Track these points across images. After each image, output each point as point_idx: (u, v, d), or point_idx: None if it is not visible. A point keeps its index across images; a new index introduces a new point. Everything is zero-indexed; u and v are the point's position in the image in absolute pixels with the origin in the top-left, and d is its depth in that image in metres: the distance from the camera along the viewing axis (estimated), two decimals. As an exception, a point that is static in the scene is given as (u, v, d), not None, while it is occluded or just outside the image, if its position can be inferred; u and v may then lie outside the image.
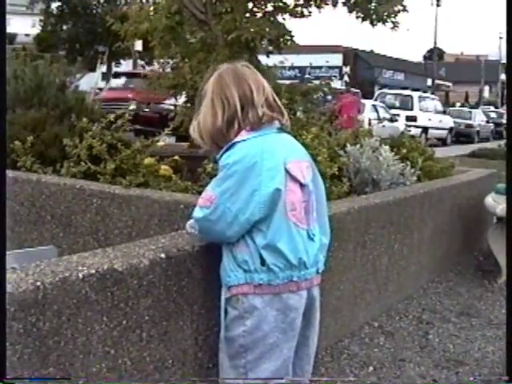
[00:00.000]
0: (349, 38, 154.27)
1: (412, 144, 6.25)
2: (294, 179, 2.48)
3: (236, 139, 2.47)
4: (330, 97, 24.09)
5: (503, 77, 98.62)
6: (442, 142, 30.30)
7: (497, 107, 64.82)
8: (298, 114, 5.41)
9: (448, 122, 30.89)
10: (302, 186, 2.50)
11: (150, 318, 2.53)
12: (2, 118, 2.56)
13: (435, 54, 62.79)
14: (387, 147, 5.61)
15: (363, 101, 23.21)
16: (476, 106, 56.83)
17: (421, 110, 28.23)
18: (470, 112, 38.06)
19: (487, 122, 39.21)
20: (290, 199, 2.44)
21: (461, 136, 33.66)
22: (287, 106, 5.43)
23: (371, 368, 3.88)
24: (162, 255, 2.58)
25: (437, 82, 65.63)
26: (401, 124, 24.16)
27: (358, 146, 5.53)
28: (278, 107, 2.58)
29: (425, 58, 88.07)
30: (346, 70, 53.22)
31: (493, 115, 45.35)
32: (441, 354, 4.19)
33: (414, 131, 24.70)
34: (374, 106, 24.24)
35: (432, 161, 6.48)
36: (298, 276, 2.47)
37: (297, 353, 2.62)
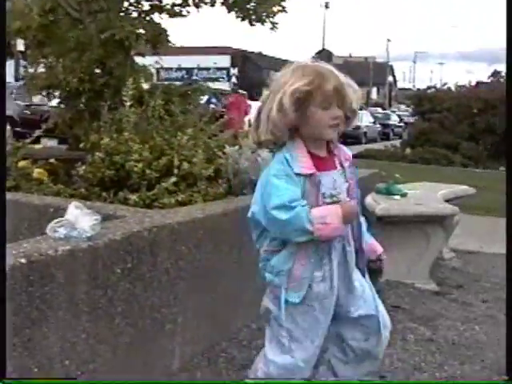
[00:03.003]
0: (238, 39, 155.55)
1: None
2: None
3: None
4: (214, 99, 24.32)
5: (391, 78, 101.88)
6: (331, 144, 30.92)
7: (384, 108, 66.75)
8: (176, 115, 5.41)
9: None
10: None
11: (11, 325, 2.48)
12: (2, 120, 2.46)
13: (324, 56, 64.07)
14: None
15: (250, 102, 23.42)
16: (366, 108, 58.28)
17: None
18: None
19: (374, 123, 40.34)
20: None
21: (348, 137, 34.38)
22: (164, 106, 5.45)
23: (249, 371, 3.93)
24: (23, 260, 2.54)
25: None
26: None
27: (237, 147, 5.59)
28: None
29: (313, 59, 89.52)
30: (234, 71, 53.60)
31: (379, 116, 46.70)
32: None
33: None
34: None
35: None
36: None
37: None
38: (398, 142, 27.18)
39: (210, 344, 4.07)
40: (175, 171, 4.69)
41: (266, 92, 2.90)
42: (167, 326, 3.53)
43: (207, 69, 54.39)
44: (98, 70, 6.50)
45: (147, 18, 6.50)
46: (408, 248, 5.89)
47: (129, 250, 3.10)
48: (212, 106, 22.50)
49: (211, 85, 34.07)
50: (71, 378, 2.19)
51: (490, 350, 4.57)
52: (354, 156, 12.79)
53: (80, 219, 2.85)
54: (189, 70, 53.92)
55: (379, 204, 5.86)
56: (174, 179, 4.63)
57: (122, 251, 3.05)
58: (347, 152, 2.97)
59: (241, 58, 55.82)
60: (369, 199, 6.10)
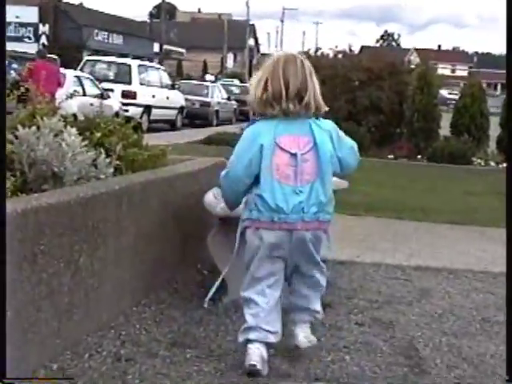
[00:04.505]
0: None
1: (109, 126, 6.34)
2: (282, 149, 4.69)
3: None
4: (15, 65, 23.81)
5: (252, 42, 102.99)
6: (171, 124, 31.04)
7: (243, 81, 67.33)
8: None
9: (178, 99, 31.75)
10: (291, 154, 4.69)
11: None
12: (2, 117, 2.31)
13: (164, 11, 64.08)
14: (74, 130, 5.64)
15: (64, 71, 23.09)
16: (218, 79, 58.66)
17: (142, 83, 28.72)
18: (207, 87, 39.29)
19: (229, 99, 40.68)
20: (275, 162, 4.66)
21: (195, 117, 34.73)
22: None
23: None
24: None
25: (166, 47, 67.14)
26: (115, 102, 24.38)
27: (34, 128, 5.50)
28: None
29: (151, 16, 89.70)
30: (45, 29, 52.66)
31: (236, 91, 47.12)
32: (142, 398, 4.30)
33: (133, 111, 25.13)
34: (78, 77, 24.22)
35: (138, 148, 6.60)
36: (278, 217, 4.65)
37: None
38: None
39: (-7, 391, 3.99)
40: None
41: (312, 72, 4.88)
42: None
43: (7, 24, 53.24)
44: None
45: None
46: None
47: None
48: (12, 73, 22.05)
49: (14, 46, 33.20)
50: (71, 378, 2.18)
51: (365, 386, 4.74)
52: (201, 141, 13.05)
53: None
54: (-20, 26, 52.51)
55: (221, 202, 5.89)
56: None
57: None
58: None
59: (53, 12, 54.84)
60: (209, 196, 6.12)
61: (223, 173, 5.04)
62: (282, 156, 4.69)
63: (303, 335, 5.01)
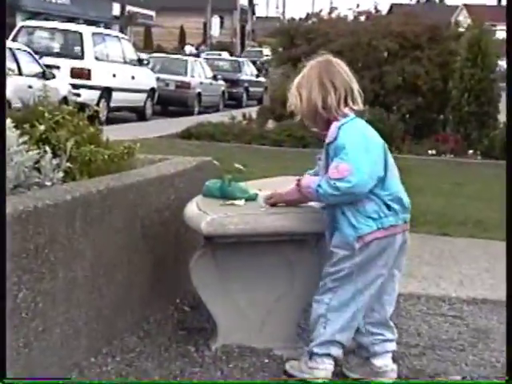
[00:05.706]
0: None
1: (56, 116, 6.35)
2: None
3: None
4: None
5: (244, 1, 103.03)
6: (138, 113, 31.00)
7: (233, 53, 67.35)
8: None
9: (147, 79, 31.70)
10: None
11: None
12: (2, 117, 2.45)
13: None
14: (9, 122, 5.66)
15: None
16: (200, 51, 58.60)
17: (98, 58, 28.61)
18: (186, 62, 39.18)
19: (215, 78, 40.64)
20: (390, 161, 5.73)
21: (169, 103, 34.70)
22: None
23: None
24: None
25: (130, 8, 67.13)
26: (63, 83, 24.32)
27: None
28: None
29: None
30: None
31: (226, 66, 47.07)
32: None
33: (88, 95, 25.06)
34: (10, 50, 24.14)
35: (96, 145, 6.60)
36: (408, 218, 5.96)
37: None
38: (254, 111, 27.48)
39: None
40: None
41: None
42: None
43: None
44: None
45: None
46: (258, 288, 5.98)
47: None
48: None
49: None
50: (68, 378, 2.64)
51: None
52: (178, 135, 13.21)
53: None
54: None
55: (207, 215, 5.89)
56: None
57: None
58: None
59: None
60: (192, 207, 6.11)
61: (346, 186, 5.44)
62: (389, 154, 5.77)
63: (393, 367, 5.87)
